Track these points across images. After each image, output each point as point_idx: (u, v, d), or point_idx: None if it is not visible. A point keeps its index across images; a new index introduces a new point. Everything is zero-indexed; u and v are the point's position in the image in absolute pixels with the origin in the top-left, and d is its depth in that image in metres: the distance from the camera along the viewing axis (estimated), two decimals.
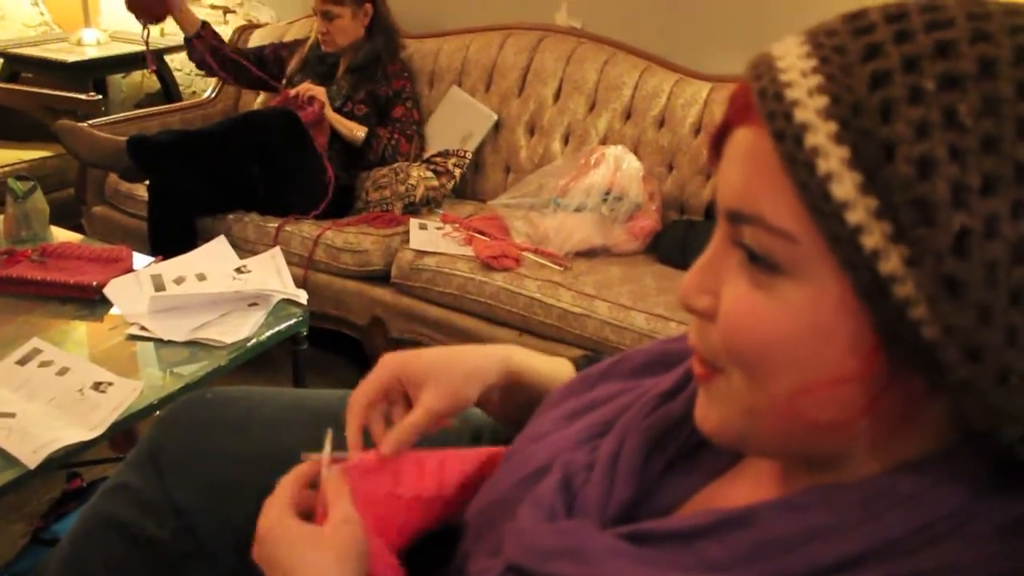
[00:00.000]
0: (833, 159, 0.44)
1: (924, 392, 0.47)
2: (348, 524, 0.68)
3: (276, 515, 0.69)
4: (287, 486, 0.71)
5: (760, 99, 0.47)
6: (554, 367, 0.86)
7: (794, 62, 0.47)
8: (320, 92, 2.65)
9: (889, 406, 0.48)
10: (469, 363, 0.79)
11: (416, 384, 0.78)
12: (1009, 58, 0.43)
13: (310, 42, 2.86)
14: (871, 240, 0.43)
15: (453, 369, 0.78)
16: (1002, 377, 0.43)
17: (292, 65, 2.88)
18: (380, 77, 2.73)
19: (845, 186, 0.43)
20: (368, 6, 2.72)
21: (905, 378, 0.47)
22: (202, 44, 2.78)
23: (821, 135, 0.44)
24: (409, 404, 0.79)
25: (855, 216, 0.43)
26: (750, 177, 0.48)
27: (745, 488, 0.60)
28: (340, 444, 0.75)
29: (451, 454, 0.78)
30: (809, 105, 0.45)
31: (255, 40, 3.20)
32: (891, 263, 0.43)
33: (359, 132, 2.67)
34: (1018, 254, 0.42)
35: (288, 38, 3.09)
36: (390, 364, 0.79)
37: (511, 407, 0.83)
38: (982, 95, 0.42)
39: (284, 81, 2.84)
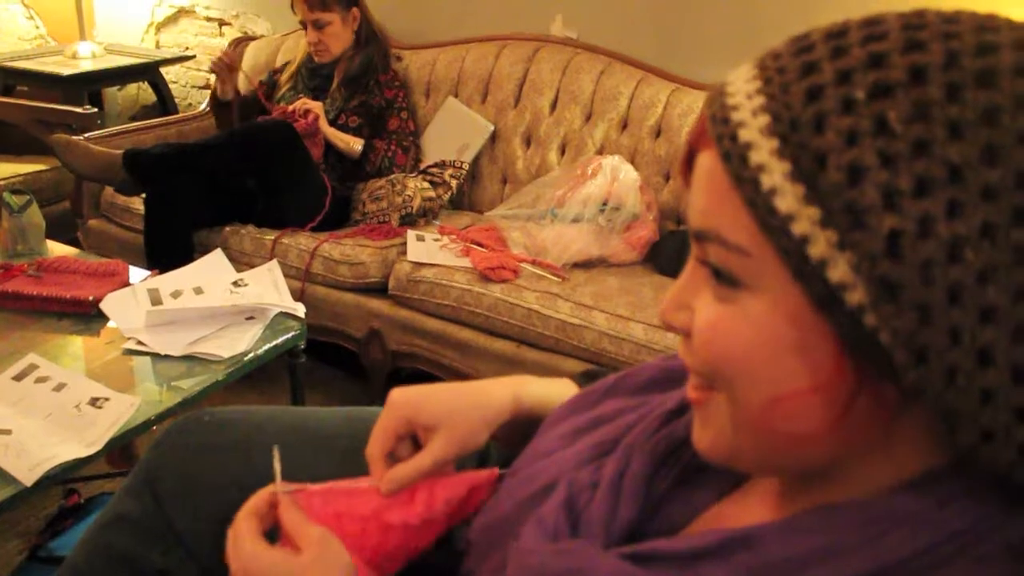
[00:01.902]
0: (776, 174, 0.45)
1: (897, 401, 0.47)
2: (328, 543, 0.67)
3: (250, 549, 0.67)
4: (248, 518, 0.70)
5: (711, 124, 0.50)
6: (561, 392, 0.84)
7: (741, 86, 0.49)
8: (317, 107, 2.65)
9: (864, 416, 0.48)
10: (480, 410, 0.78)
11: (427, 428, 0.76)
12: (940, 63, 0.44)
13: (300, 58, 2.86)
14: (817, 249, 0.45)
15: (465, 416, 0.77)
16: (949, 378, 0.44)
17: (282, 82, 2.88)
18: (373, 86, 2.73)
19: (787, 199, 0.45)
20: (355, 10, 2.72)
21: (875, 387, 0.47)
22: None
23: (764, 152, 0.46)
24: (416, 442, 0.78)
25: (799, 227, 0.45)
26: (709, 198, 0.50)
27: (751, 507, 0.59)
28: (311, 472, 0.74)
29: (441, 481, 0.76)
30: (752, 125, 0.47)
31: (251, 52, 3.20)
32: (839, 271, 0.44)
33: (356, 145, 2.66)
34: (954, 253, 0.42)
35: (284, 50, 3.10)
36: (400, 408, 0.77)
37: (519, 438, 0.82)
38: (912, 101, 0.43)
39: (276, 99, 2.84)
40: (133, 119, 3.75)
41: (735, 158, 0.47)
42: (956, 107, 0.43)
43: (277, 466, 0.72)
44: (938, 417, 0.46)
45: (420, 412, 0.76)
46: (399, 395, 0.78)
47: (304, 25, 2.73)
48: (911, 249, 0.43)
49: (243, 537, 0.68)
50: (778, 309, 0.47)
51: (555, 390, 0.84)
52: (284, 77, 2.89)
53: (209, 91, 3.17)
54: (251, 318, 1.69)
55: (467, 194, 2.82)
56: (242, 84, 2.91)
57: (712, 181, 0.49)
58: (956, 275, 0.42)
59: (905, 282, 0.43)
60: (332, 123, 2.69)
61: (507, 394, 0.80)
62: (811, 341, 0.47)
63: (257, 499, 0.71)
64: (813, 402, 0.48)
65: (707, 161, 0.50)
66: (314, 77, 2.80)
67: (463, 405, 0.77)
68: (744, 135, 0.47)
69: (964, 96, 0.43)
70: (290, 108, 2.65)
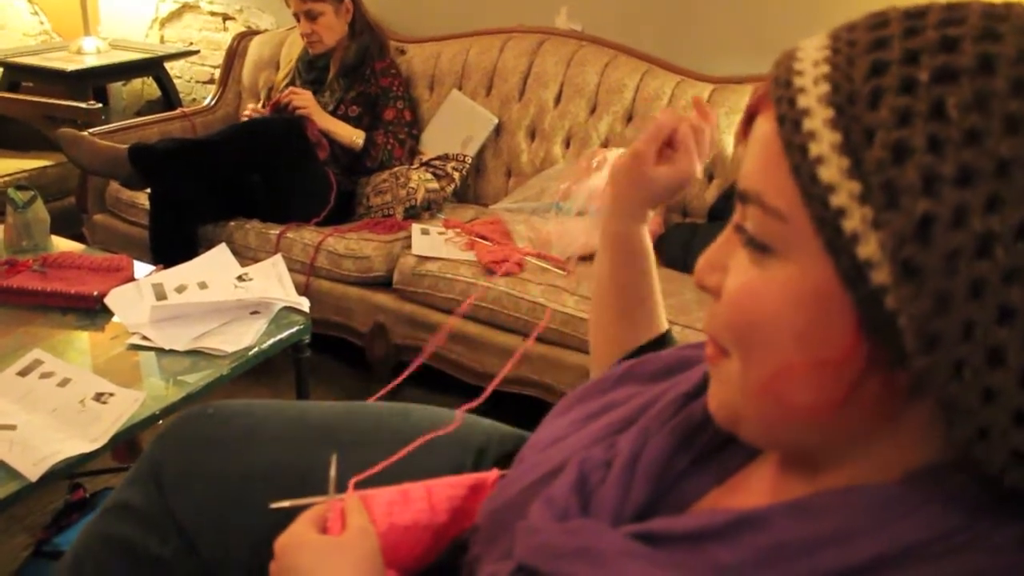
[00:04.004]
0: (824, 143, 0.46)
1: (908, 390, 0.47)
2: (366, 534, 0.70)
3: (296, 530, 0.70)
4: (313, 511, 0.73)
5: (773, 86, 0.49)
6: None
7: (810, 52, 0.49)
8: (306, 98, 2.64)
9: (871, 400, 0.48)
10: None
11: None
12: (1012, 56, 0.43)
13: (297, 54, 2.85)
14: (851, 224, 0.45)
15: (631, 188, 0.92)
16: (956, 371, 0.44)
17: (280, 79, 2.87)
18: (369, 75, 2.72)
19: (831, 169, 0.45)
20: (348, 1, 2.71)
21: (886, 372, 0.47)
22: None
23: (817, 120, 0.46)
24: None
25: (838, 199, 0.45)
26: (760, 160, 0.50)
27: (757, 487, 0.59)
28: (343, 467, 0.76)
29: (435, 483, 0.79)
30: (812, 92, 0.47)
31: (255, 47, 3.19)
32: (869, 248, 0.44)
33: (357, 139, 2.66)
34: (985, 247, 0.42)
35: (288, 44, 3.09)
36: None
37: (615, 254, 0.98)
38: (974, 90, 0.43)
39: (273, 93, 2.83)
40: (138, 114, 3.75)
41: (789, 122, 0.47)
42: (1018, 102, 0.42)
43: (332, 472, 0.74)
44: (938, 408, 0.46)
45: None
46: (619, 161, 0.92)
47: (297, 17, 2.72)
48: (941, 236, 0.42)
49: (297, 520, 0.71)
50: (805, 279, 0.48)
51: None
52: (281, 75, 2.88)
53: (213, 86, 3.18)
54: (256, 313, 1.69)
55: (472, 187, 2.82)
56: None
57: (765, 144, 0.50)
58: (982, 270, 0.42)
59: (928, 268, 0.43)
60: (332, 114, 2.67)
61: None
62: (831, 315, 0.47)
63: (318, 507, 0.74)
64: (821, 376, 0.48)
65: (764, 124, 0.50)
66: (311, 70, 2.79)
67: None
68: (802, 101, 0.47)
69: None
70: (282, 99, 2.63)
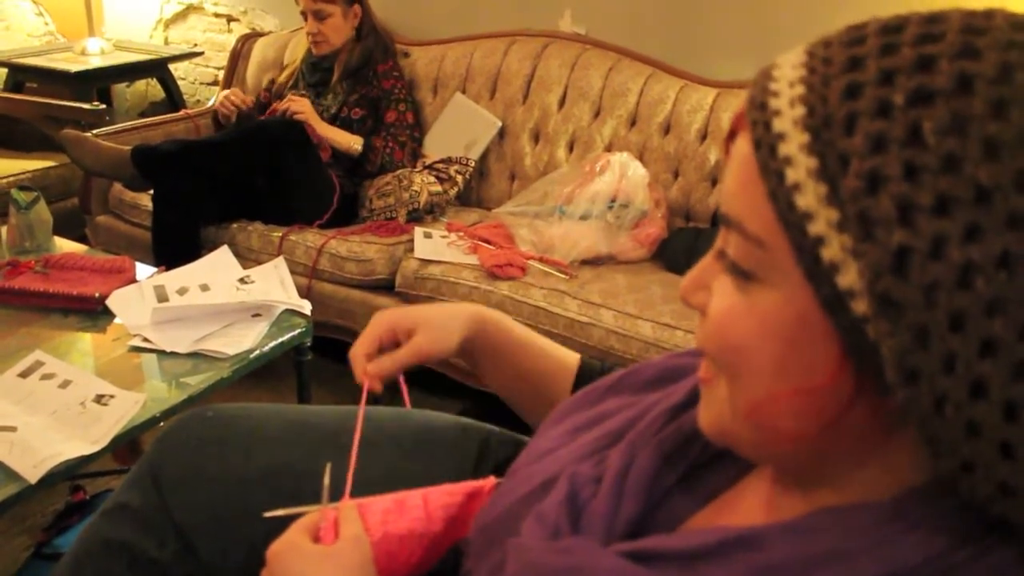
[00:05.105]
0: (801, 169, 0.44)
1: (898, 414, 0.46)
2: (359, 543, 0.69)
3: (289, 537, 0.70)
4: (307, 518, 0.72)
5: (749, 107, 0.48)
6: (530, 334, 0.95)
7: (787, 72, 0.47)
8: (304, 104, 2.63)
9: (861, 423, 0.48)
10: (452, 319, 0.91)
11: (408, 332, 0.90)
12: (990, 75, 0.41)
13: (301, 55, 2.85)
14: (830, 252, 0.43)
15: (439, 321, 0.91)
16: (938, 405, 0.42)
17: (283, 80, 2.87)
18: (372, 77, 2.72)
19: (808, 197, 0.44)
20: (357, 7, 2.71)
21: (874, 397, 0.46)
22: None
23: (793, 145, 0.45)
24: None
25: (816, 227, 0.44)
26: (738, 182, 0.49)
27: (750, 505, 0.59)
28: (339, 474, 0.76)
29: (432, 490, 0.78)
30: (787, 115, 0.45)
31: (258, 49, 3.19)
32: (849, 277, 0.43)
33: (356, 145, 2.65)
34: (965, 278, 0.40)
35: (292, 46, 3.09)
36: (385, 318, 0.91)
37: (486, 365, 0.94)
38: (951, 112, 0.41)
39: (276, 95, 2.83)
40: (142, 115, 3.75)
41: (765, 147, 0.46)
42: (997, 124, 0.40)
43: (326, 480, 0.74)
44: (922, 440, 0.45)
45: (402, 319, 0.90)
46: (383, 311, 0.93)
47: (305, 15, 2.72)
48: (919, 268, 0.41)
49: (289, 529, 0.71)
50: (788, 306, 0.46)
51: (522, 329, 0.95)
52: (284, 76, 2.88)
53: (217, 87, 3.17)
54: (257, 315, 1.69)
55: (475, 190, 2.81)
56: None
57: (743, 166, 0.48)
58: (962, 302, 0.41)
59: (907, 301, 0.41)
60: (335, 117, 2.68)
61: (474, 310, 0.93)
62: (815, 343, 0.46)
63: (312, 515, 0.74)
64: (807, 402, 0.48)
65: (743, 145, 0.49)
66: (315, 72, 2.79)
67: (437, 313, 0.92)
68: (777, 124, 0.46)
69: (1009, 114, 0.40)
70: (279, 108, 2.63)
